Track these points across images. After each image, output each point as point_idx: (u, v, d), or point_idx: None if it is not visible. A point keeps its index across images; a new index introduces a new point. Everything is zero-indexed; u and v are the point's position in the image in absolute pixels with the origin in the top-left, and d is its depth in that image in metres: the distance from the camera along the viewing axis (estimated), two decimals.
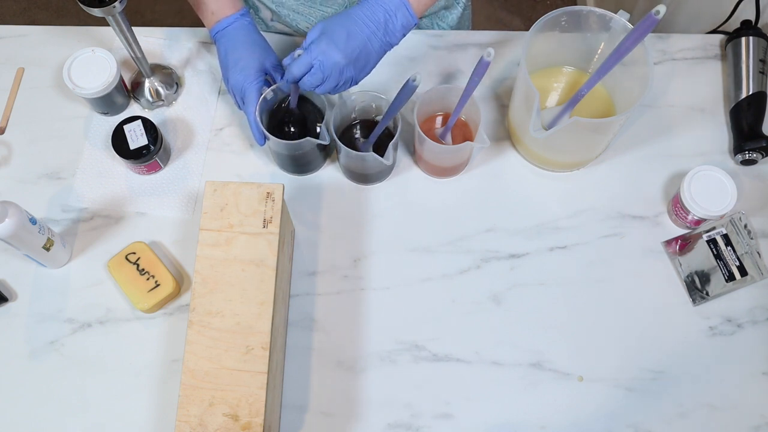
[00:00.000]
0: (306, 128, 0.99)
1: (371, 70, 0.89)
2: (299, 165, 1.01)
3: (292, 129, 0.98)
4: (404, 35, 0.88)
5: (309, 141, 0.92)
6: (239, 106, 0.97)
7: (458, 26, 1.19)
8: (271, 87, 0.94)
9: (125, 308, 0.96)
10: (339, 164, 1.03)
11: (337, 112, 0.95)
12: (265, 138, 0.94)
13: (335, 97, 1.03)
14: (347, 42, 0.84)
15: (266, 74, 0.95)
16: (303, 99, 0.99)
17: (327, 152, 1.03)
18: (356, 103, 0.97)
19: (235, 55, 0.94)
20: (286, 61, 0.87)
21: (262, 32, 0.99)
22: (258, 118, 0.93)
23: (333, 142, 0.95)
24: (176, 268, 0.98)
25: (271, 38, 1.11)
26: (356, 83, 0.89)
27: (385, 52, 0.89)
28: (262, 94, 0.93)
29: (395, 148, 0.96)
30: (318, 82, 0.85)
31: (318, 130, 0.98)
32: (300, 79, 0.86)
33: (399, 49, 1.08)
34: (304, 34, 1.12)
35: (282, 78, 0.94)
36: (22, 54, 1.12)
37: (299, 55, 0.85)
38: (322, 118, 0.98)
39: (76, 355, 0.93)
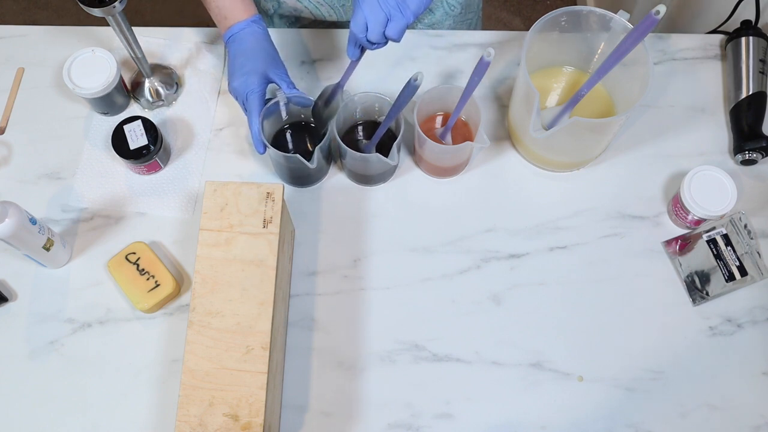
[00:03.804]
0: (305, 146, 0.99)
1: None
2: (294, 177, 1.01)
3: (291, 144, 0.99)
4: None
5: (297, 158, 0.91)
6: (245, 112, 0.95)
7: None
8: (291, 94, 0.92)
9: (125, 308, 0.96)
10: (342, 166, 1.03)
11: (339, 114, 0.95)
12: (265, 147, 0.93)
13: (338, 101, 1.02)
14: None
15: (270, 82, 0.94)
16: (307, 123, 1.00)
17: (323, 172, 1.02)
18: (358, 104, 0.97)
19: (241, 60, 0.93)
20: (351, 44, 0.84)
21: (270, 30, 0.98)
22: (260, 127, 0.91)
23: (337, 145, 0.95)
24: (176, 268, 0.98)
25: (274, 37, 1.11)
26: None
27: None
28: (265, 101, 0.92)
29: (399, 149, 0.96)
30: (404, 25, 0.81)
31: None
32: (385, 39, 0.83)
33: (399, 49, 1.08)
34: (309, 18, 1.12)
35: (287, 87, 0.93)
36: (22, 54, 1.11)
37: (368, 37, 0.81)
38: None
39: (76, 355, 0.93)
